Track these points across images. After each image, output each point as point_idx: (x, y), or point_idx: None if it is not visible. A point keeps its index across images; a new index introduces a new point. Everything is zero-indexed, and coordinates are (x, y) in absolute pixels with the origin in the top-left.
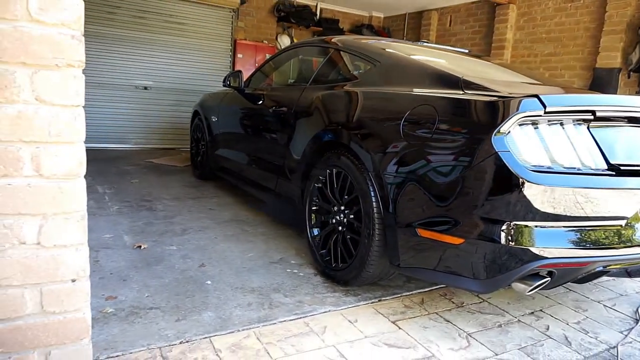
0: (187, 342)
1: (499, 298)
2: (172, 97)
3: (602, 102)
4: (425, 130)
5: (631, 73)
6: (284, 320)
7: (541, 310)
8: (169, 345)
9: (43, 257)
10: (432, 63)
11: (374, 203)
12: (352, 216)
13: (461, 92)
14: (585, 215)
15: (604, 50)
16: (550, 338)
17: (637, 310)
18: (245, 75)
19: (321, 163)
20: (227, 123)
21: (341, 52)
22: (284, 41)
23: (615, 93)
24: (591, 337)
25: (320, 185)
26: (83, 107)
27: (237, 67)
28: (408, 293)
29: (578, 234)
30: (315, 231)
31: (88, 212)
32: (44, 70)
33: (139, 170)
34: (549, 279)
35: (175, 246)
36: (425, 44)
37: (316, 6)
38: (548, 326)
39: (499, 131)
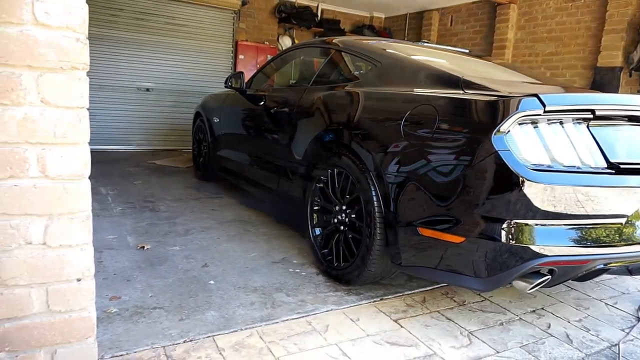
0: (191, 341)
1: (501, 296)
2: (174, 99)
3: (602, 101)
4: (425, 130)
5: (632, 72)
6: (287, 319)
7: (543, 308)
8: (173, 344)
9: (49, 257)
10: (433, 63)
11: (375, 202)
12: (353, 216)
13: (461, 92)
14: (586, 213)
15: (605, 49)
16: (552, 336)
17: (638, 308)
18: (247, 77)
19: (322, 163)
20: (229, 124)
21: (342, 53)
22: (285, 42)
23: (616, 92)
24: (592, 335)
25: (321, 185)
26: (87, 109)
27: (239, 69)
28: (410, 292)
29: (578, 232)
30: (317, 231)
31: (91, 213)
32: (49, 73)
33: (141, 172)
34: (550, 277)
35: (178, 246)
36: (425, 44)
37: (317, 7)
38: (549, 324)
39: (498, 130)
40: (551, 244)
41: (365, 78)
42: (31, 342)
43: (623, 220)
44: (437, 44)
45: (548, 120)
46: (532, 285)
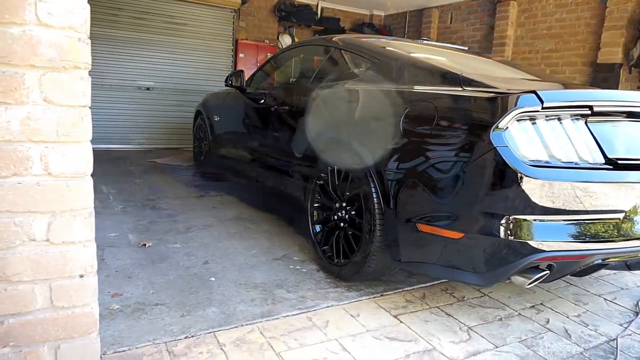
0: (192, 336)
1: (500, 292)
2: (175, 98)
3: (600, 97)
4: (425, 126)
5: (632, 68)
6: (287, 315)
7: (541, 303)
8: (175, 340)
9: (52, 253)
10: (432, 61)
11: (374, 199)
12: (353, 212)
13: (460, 89)
14: (584, 208)
15: (604, 46)
16: (550, 331)
17: (637, 303)
18: (247, 75)
19: (322, 160)
20: (230, 122)
21: (342, 51)
22: (285, 40)
23: (616, 89)
24: (591, 330)
25: (322, 182)
26: (89, 107)
27: (239, 67)
28: (409, 288)
29: (576, 227)
30: (318, 228)
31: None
32: (52, 72)
33: (142, 170)
34: (548, 272)
35: (179, 244)
36: (425, 41)
37: (317, 5)
38: (548, 319)
39: (497, 127)
40: (549, 239)
41: (365, 75)
42: (35, 337)
43: (621, 216)
44: (436, 41)
45: (546, 116)
46: (530, 281)
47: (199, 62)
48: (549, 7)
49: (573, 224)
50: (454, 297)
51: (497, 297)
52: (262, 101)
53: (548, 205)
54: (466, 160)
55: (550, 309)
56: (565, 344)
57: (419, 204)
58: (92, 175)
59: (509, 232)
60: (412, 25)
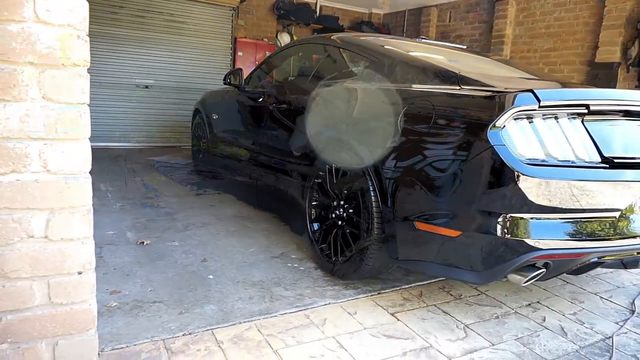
0: (190, 334)
1: (497, 290)
2: (173, 96)
3: (596, 96)
4: (422, 125)
5: (630, 67)
6: (285, 313)
7: (538, 302)
8: (172, 337)
9: (50, 250)
10: (430, 59)
11: (372, 197)
12: (351, 211)
13: (458, 88)
14: (580, 207)
15: (603, 45)
16: (547, 329)
17: (633, 301)
18: (246, 73)
19: (320, 159)
20: (228, 120)
21: (340, 49)
22: (284, 39)
23: (614, 87)
24: (587, 328)
25: (319, 180)
26: (88, 105)
27: (238, 65)
28: (407, 286)
29: (573, 225)
30: (315, 226)
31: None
32: (51, 69)
33: (141, 168)
34: (545, 270)
35: (177, 242)
36: (423, 40)
37: (316, 4)
38: (544, 317)
39: (494, 125)
40: (546, 237)
41: (363, 74)
42: (33, 333)
43: (617, 214)
44: (435, 40)
45: (543, 115)
46: (527, 279)
47: (197, 60)
48: (548, 6)
49: (569, 222)
50: (451, 295)
51: (494, 295)
52: (261, 99)
53: (545, 204)
54: (463, 159)
55: (547, 307)
56: (561, 341)
57: (416, 202)
58: (90, 172)
59: (505, 230)
60: (411, 23)
